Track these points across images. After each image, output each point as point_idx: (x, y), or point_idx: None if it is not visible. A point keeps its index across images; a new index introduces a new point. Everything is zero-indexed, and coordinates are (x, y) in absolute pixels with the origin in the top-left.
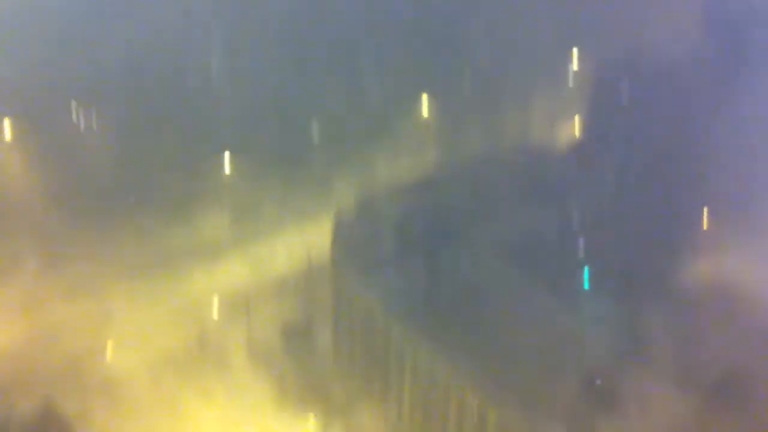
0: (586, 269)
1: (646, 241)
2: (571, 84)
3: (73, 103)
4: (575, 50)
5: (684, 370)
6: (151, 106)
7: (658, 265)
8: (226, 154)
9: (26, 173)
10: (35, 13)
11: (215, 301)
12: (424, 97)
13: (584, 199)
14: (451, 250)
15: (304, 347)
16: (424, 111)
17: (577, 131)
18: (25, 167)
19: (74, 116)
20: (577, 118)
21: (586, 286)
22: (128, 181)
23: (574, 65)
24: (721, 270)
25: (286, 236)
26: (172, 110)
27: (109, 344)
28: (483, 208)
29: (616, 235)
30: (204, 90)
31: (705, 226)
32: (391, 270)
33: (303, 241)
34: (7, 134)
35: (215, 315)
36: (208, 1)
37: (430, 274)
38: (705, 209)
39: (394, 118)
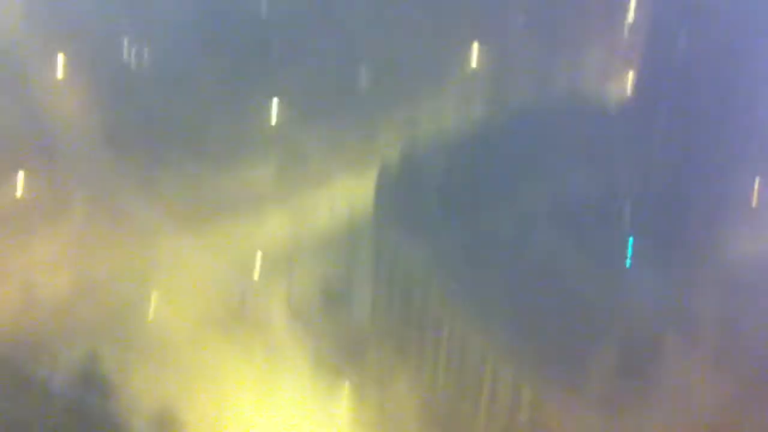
0: (630, 240)
1: (694, 212)
2: (626, 36)
3: (125, 41)
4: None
5: (726, 355)
6: (200, 53)
7: (705, 239)
8: (275, 102)
9: (77, 114)
10: None
11: (257, 257)
12: (475, 47)
13: (633, 163)
14: (494, 211)
15: (343, 311)
16: (474, 61)
17: (629, 88)
18: (77, 108)
19: (125, 55)
20: (630, 75)
21: (628, 263)
22: (177, 126)
23: (630, 17)
24: None
25: (330, 190)
26: (222, 56)
27: (153, 298)
28: (528, 166)
29: (663, 203)
30: (253, 34)
31: (755, 201)
32: (434, 230)
33: (346, 197)
34: (59, 71)
35: (257, 272)
36: None
37: (472, 236)
38: (757, 180)
39: (442, 68)
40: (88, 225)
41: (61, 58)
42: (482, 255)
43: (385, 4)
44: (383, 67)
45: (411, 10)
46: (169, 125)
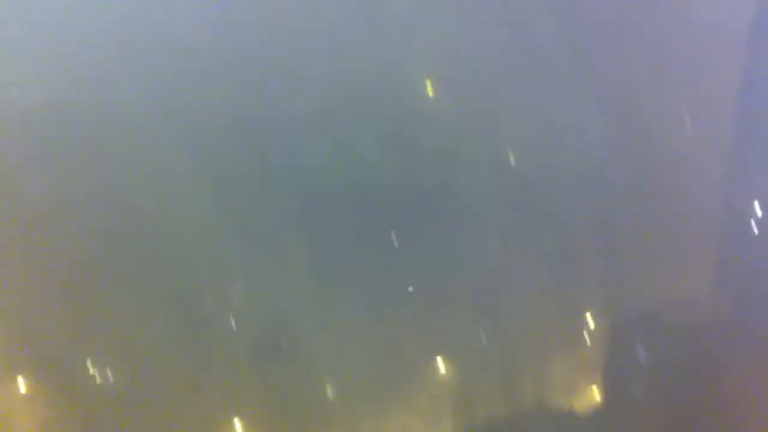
0: None
1: None
2: (588, 343)
3: (89, 360)
4: (588, 313)
5: None
6: (165, 362)
7: None
8: (236, 422)
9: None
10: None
11: None
12: (439, 359)
13: None
14: None
15: None
16: (441, 370)
17: (596, 395)
18: (40, 425)
19: (90, 369)
20: (596, 382)
21: None
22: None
23: (590, 325)
24: None
25: None
26: (185, 367)
27: None
28: None
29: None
30: (220, 344)
31: None
32: None
33: None
34: (22, 388)
35: None
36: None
37: None
38: None
39: (408, 378)
40: None
41: (20, 379)
42: None
43: (345, 323)
44: (348, 384)
45: (373, 328)
46: None
